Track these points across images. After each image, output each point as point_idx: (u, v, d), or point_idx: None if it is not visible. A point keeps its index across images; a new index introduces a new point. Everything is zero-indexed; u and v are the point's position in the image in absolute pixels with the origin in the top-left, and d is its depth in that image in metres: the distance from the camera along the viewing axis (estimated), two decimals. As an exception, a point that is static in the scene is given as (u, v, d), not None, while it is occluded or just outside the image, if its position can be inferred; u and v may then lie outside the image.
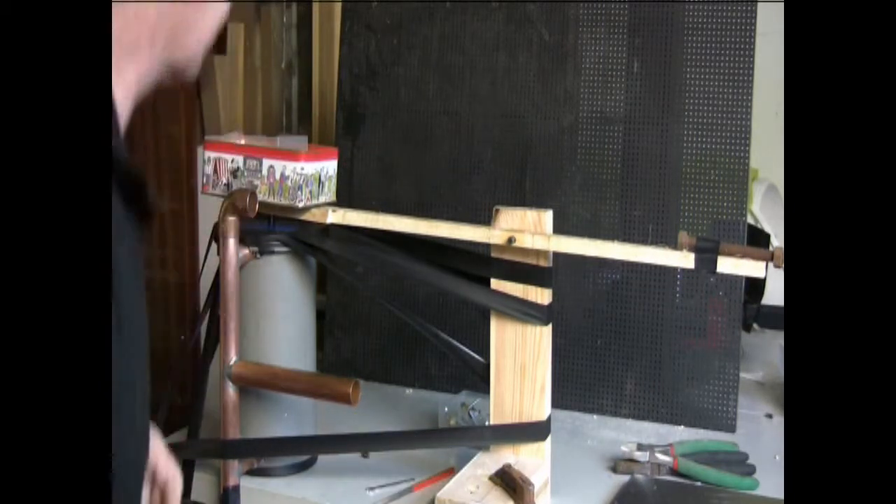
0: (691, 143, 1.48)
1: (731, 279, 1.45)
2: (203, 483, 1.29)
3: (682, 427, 1.47)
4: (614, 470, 1.30)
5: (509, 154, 1.59)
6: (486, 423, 1.26)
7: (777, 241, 1.82)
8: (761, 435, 1.45)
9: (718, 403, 1.46)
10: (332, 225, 1.26)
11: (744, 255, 1.13)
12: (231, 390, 1.24)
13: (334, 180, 1.32)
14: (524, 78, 1.58)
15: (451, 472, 1.25)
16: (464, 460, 1.23)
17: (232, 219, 1.23)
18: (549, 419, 1.23)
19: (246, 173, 1.25)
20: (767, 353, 1.78)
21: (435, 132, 1.64)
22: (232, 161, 1.26)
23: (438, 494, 1.14)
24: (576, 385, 1.53)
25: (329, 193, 1.30)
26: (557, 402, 1.41)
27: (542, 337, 1.21)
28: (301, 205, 1.24)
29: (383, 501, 1.21)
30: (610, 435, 1.44)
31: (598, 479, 1.28)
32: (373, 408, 1.51)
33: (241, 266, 1.25)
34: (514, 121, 1.59)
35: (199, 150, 1.58)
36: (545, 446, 1.23)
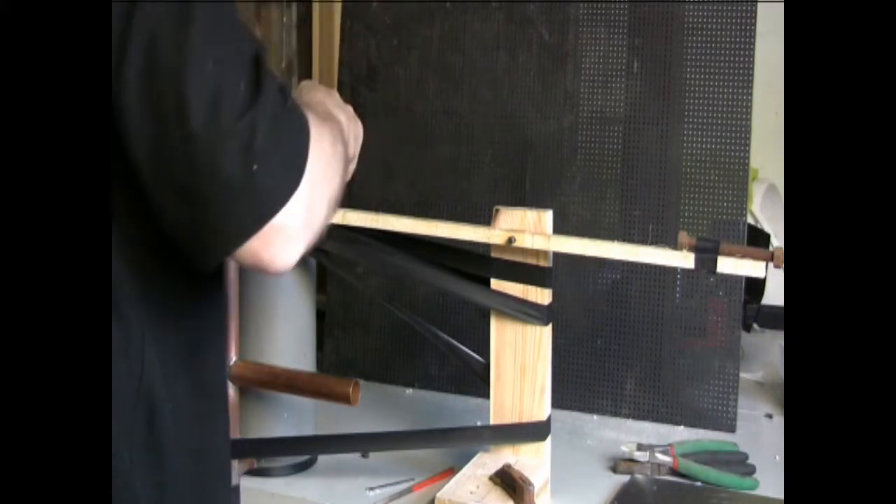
0: (691, 143, 1.48)
1: (731, 279, 1.45)
2: (203, 483, 1.29)
3: (682, 427, 1.47)
4: (614, 470, 1.30)
5: (509, 154, 1.59)
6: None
7: (777, 241, 1.82)
8: (761, 435, 1.45)
9: (718, 403, 1.46)
10: (332, 225, 1.26)
11: (744, 255, 1.13)
12: (231, 390, 1.24)
13: None
14: (524, 78, 1.58)
15: (451, 472, 1.25)
16: (462, 459, 1.23)
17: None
18: (549, 419, 1.23)
19: None
20: (767, 353, 1.78)
21: (435, 132, 1.64)
22: None
23: (438, 494, 1.14)
24: (576, 385, 1.53)
25: None
26: (557, 402, 1.41)
27: (542, 337, 1.21)
28: None
29: (383, 501, 1.21)
30: (610, 435, 1.44)
31: (598, 479, 1.28)
32: (373, 408, 1.51)
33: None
34: (514, 121, 1.59)
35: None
36: (545, 446, 1.23)
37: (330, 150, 0.76)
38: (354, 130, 0.96)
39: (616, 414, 1.51)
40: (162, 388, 0.76)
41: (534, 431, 1.22)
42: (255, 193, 0.68)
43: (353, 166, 0.96)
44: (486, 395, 1.24)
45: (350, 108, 0.98)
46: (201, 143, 0.66)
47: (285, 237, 0.70)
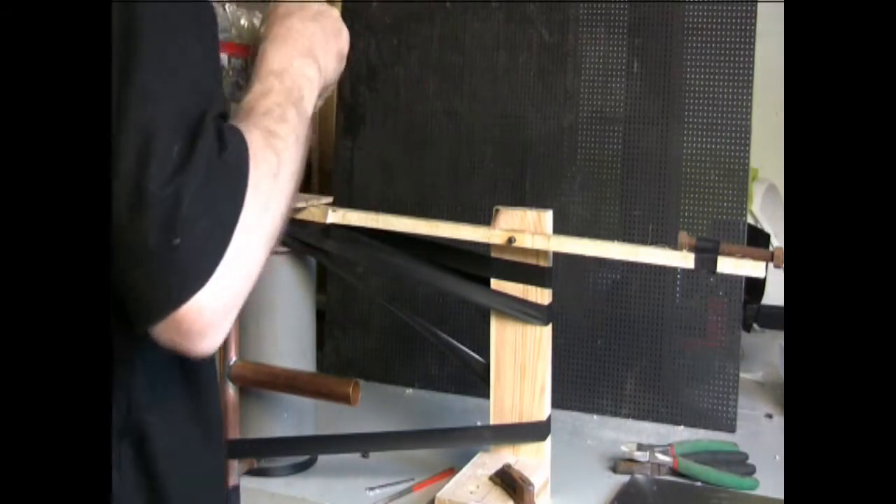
0: (691, 143, 1.48)
1: (731, 279, 1.45)
2: (203, 483, 1.29)
3: (682, 427, 1.47)
4: (614, 470, 1.30)
5: (509, 154, 1.59)
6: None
7: (777, 241, 1.82)
8: (761, 435, 1.45)
9: (718, 403, 1.46)
10: (332, 225, 1.26)
11: (744, 255, 1.13)
12: (231, 390, 1.24)
13: None
14: (524, 78, 1.58)
15: (451, 472, 1.25)
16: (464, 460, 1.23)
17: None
18: (549, 419, 1.23)
19: (231, 73, 1.10)
20: (767, 353, 1.79)
21: (435, 132, 1.64)
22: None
23: (438, 494, 1.14)
24: (576, 385, 1.53)
25: None
26: (557, 402, 1.41)
27: (542, 337, 1.21)
28: None
29: (383, 501, 1.21)
30: (610, 435, 1.44)
31: (598, 479, 1.28)
32: (373, 408, 1.51)
33: (241, 266, 1.25)
34: (514, 121, 1.59)
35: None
36: (545, 446, 1.23)
37: (268, 186, 0.69)
38: (338, 46, 0.90)
39: (616, 414, 1.52)
40: (156, 417, 0.74)
41: (534, 431, 1.22)
42: (174, 269, 0.62)
43: (339, 67, 0.91)
44: (486, 395, 1.24)
45: (332, 14, 0.91)
46: (123, 205, 0.61)
47: (205, 319, 0.64)
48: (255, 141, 0.70)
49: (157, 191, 0.61)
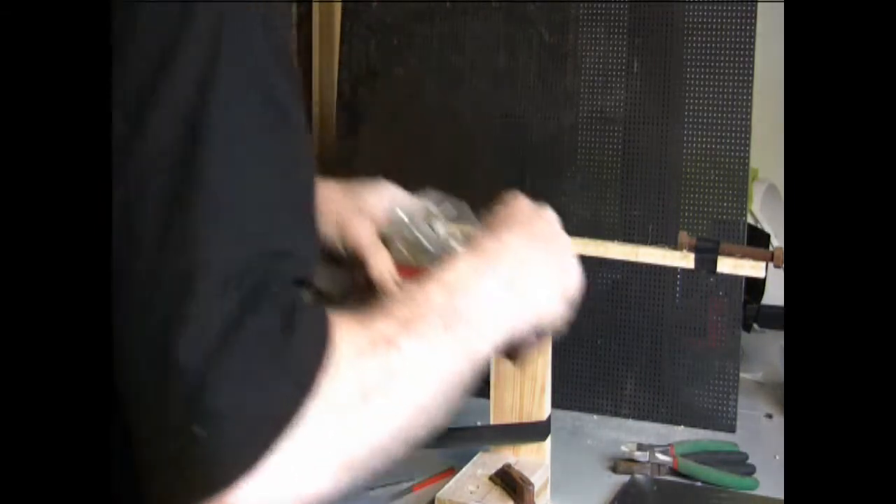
0: (691, 143, 1.48)
1: (731, 279, 1.45)
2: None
3: (682, 427, 1.47)
4: (614, 470, 1.30)
5: (509, 154, 1.59)
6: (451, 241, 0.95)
7: (777, 241, 1.82)
8: (761, 435, 1.45)
9: (718, 403, 1.46)
10: (332, 225, 1.26)
11: (744, 255, 1.13)
12: (231, 390, 1.24)
13: None
14: (524, 78, 1.58)
15: (451, 472, 1.25)
16: (464, 460, 1.23)
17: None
18: (549, 419, 1.23)
19: None
20: (767, 353, 1.78)
21: (435, 132, 1.64)
22: None
23: (438, 494, 1.14)
24: (576, 385, 1.53)
25: None
26: (557, 402, 1.40)
27: (542, 337, 1.21)
28: None
29: (383, 501, 1.21)
30: (610, 435, 1.44)
31: (598, 479, 1.28)
32: (373, 408, 1.51)
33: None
34: (514, 121, 1.59)
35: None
36: (545, 446, 1.23)
37: (347, 402, 0.54)
38: (562, 285, 0.75)
39: (616, 414, 1.51)
40: None
41: (534, 431, 1.22)
42: (190, 463, 0.50)
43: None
44: (486, 395, 1.24)
45: (563, 243, 0.77)
46: (145, 364, 0.50)
47: None
48: (350, 340, 0.54)
49: (186, 363, 0.49)
